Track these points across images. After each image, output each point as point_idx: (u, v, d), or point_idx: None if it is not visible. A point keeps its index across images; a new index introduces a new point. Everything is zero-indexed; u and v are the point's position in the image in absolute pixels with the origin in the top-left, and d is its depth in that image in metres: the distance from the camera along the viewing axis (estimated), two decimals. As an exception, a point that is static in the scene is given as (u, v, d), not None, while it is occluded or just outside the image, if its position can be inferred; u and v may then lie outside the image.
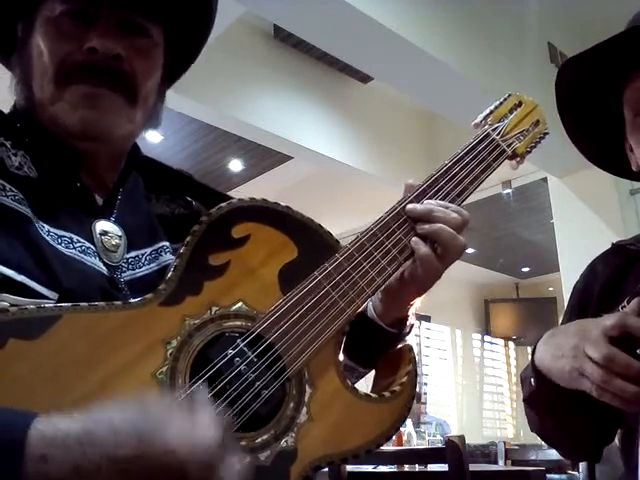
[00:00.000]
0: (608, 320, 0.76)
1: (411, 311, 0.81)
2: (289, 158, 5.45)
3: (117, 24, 0.72)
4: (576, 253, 3.72)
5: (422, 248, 0.73)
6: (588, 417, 0.87)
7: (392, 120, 5.18)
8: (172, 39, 0.80)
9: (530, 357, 0.90)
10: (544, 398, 0.90)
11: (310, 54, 4.45)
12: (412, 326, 0.83)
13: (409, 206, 0.75)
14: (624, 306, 0.90)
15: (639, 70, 0.93)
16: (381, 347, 0.80)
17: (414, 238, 0.73)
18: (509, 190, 5.16)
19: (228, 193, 0.82)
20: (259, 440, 0.59)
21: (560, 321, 1.12)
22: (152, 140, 4.90)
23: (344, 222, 5.51)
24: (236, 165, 5.77)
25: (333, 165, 4.81)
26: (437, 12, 3.22)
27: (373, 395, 0.66)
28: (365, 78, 4.81)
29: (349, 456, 0.63)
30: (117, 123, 0.72)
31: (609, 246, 1.11)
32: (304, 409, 0.62)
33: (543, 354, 0.86)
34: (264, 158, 5.58)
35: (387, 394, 0.66)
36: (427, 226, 0.73)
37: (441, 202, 0.76)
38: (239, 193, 0.78)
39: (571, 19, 4.06)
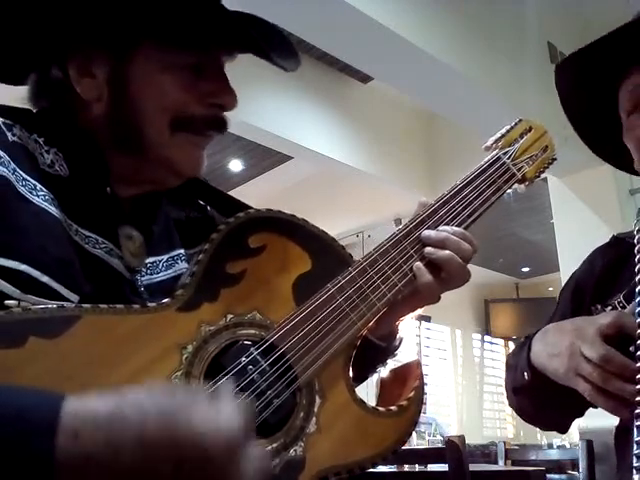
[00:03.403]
0: (603, 319, 0.77)
1: (400, 326, 0.82)
2: (289, 158, 5.45)
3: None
4: (576, 253, 3.69)
5: (425, 275, 0.73)
6: (570, 401, 0.87)
7: (392, 120, 5.17)
8: None
9: (525, 350, 0.91)
10: (534, 390, 0.92)
11: (310, 54, 4.45)
12: (402, 340, 0.83)
13: (425, 233, 0.76)
14: (620, 301, 0.91)
15: (634, 68, 0.93)
16: (370, 361, 0.80)
17: (417, 263, 0.74)
18: (509, 190, 5.15)
19: (229, 193, 0.84)
20: (269, 448, 0.59)
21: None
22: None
23: (344, 222, 5.52)
24: (236, 165, 5.77)
25: (333, 165, 4.81)
26: (437, 12, 3.22)
27: (381, 409, 0.67)
28: (365, 78, 4.81)
29: (355, 467, 0.63)
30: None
31: None
32: (313, 419, 0.63)
33: (539, 351, 0.87)
34: (264, 158, 5.58)
35: (394, 408, 0.67)
36: (438, 252, 0.74)
37: (457, 229, 0.76)
38: (239, 193, 0.79)
39: (571, 19, 4.06)
